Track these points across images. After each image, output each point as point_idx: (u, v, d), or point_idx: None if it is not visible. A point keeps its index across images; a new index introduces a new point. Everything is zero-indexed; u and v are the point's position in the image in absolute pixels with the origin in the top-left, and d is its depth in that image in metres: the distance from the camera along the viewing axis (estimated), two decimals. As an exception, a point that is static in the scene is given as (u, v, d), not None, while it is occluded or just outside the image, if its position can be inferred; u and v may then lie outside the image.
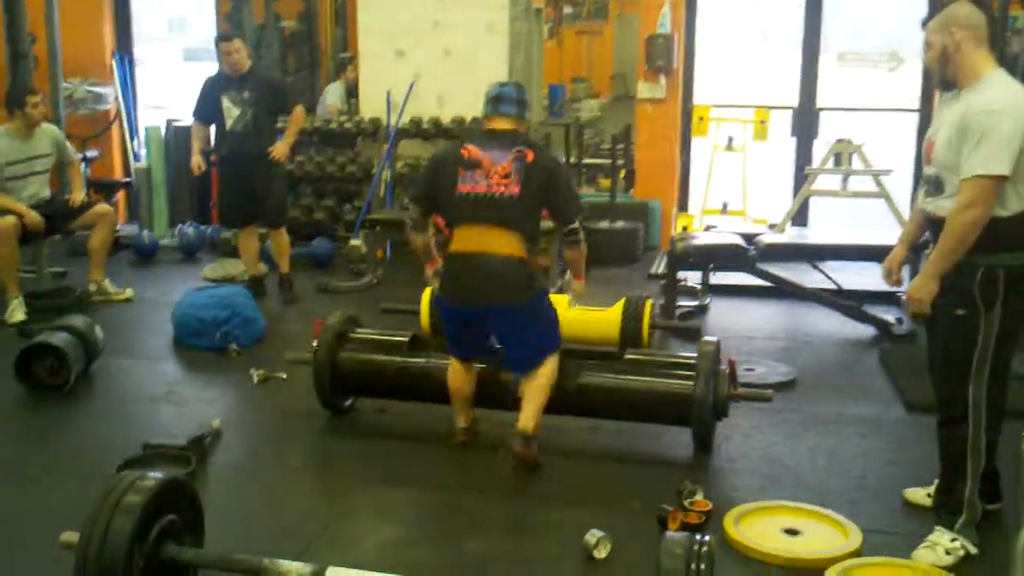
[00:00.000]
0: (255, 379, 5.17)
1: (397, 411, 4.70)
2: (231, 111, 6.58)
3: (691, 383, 4.11)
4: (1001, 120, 3.15)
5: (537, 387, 4.02)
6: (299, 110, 6.90)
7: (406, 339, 4.62)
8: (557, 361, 4.10)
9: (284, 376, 5.17)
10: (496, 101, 4.02)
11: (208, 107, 6.68)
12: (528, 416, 3.99)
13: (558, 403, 4.16)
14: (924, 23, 3.40)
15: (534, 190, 3.92)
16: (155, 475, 2.77)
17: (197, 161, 6.73)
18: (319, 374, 4.50)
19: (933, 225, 3.41)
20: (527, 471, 3.99)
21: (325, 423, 4.61)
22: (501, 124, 4.01)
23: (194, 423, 4.40)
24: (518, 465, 3.98)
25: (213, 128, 6.79)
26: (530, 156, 3.91)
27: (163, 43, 28.45)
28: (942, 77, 3.35)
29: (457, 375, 4.20)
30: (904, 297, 3.48)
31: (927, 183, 3.43)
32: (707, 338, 4.39)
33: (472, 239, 3.93)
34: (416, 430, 4.53)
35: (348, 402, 4.71)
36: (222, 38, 6.73)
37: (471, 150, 3.95)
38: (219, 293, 5.92)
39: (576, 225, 4.10)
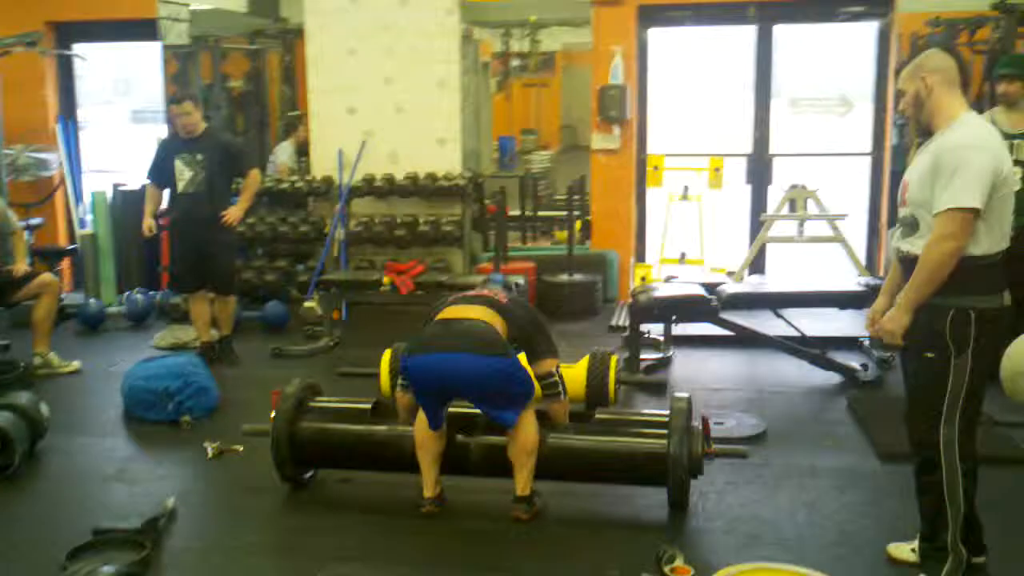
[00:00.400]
0: (210, 453, 4.96)
1: (360, 480, 4.52)
2: (183, 173, 6.46)
3: (664, 442, 4.00)
4: (973, 155, 3.17)
5: (524, 452, 4.06)
6: (254, 173, 6.80)
7: (368, 406, 4.47)
8: (535, 419, 4.08)
9: (240, 448, 4.97)
10: (484, 283, 4.53)
11: (162, 169, 6.57)
12: (523, 483, 4.07)
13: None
14: (897, 72, 3.44)
15: (517, 311, 4.18)
16: (106, 571, 2.59)
17: (149, 224, 6.58)
18: (278, 446, 4.32)
19: (908, 264, 3.38)
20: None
21: (285, 497, 4.42)
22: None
23: (147, 503, 4.20)
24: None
25: (167, 190, 6.65)
26: (502, 299, 4.19)
27: (110, 105, 28.15)
28: (918, 122, 3.39)
29: (424, 426, 4.09)
30: (876, 328, 3.45)
31: (902, 224, 3.43)
32: (678, 394, 4.29)
33: (454, 311, 4.11)
34: (382, 501, 4.36)
35: (309, 474, 4.54)
36: (174, 100, 6.61)
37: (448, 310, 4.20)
38: (169, 362, 5.71)
39: (555, 376, 4.22)
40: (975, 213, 3.15)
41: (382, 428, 4.36)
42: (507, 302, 4.19)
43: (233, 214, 6.58)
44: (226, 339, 6.80)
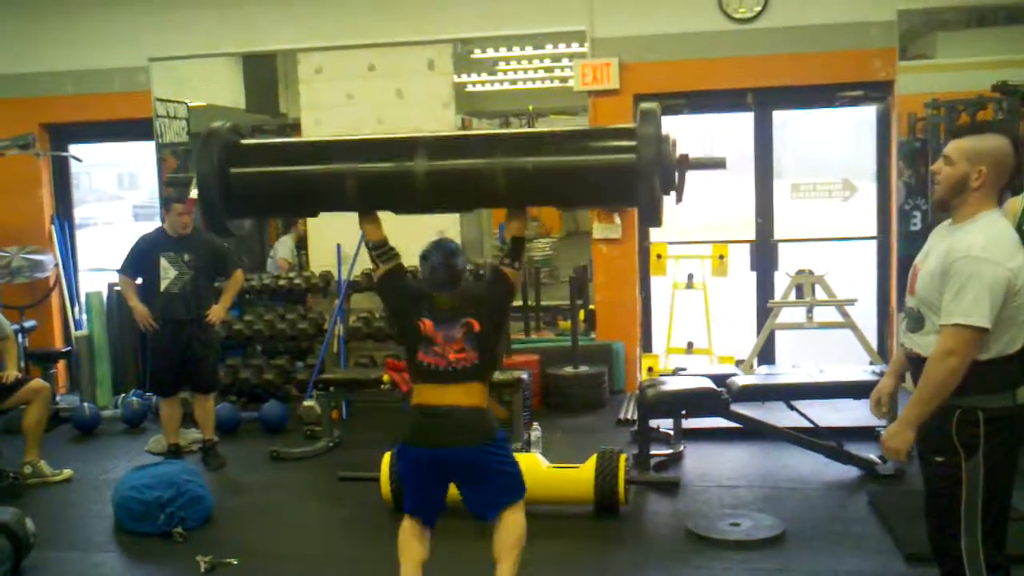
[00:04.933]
0: (203, 567, 4.74)
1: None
2: (168, 271, 6.39)
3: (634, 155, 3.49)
4: (984, 268, 3.01)
5: (509, 546, 3.87)
6: (239, 274, 6.76)
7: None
8: (523, 514, 3.92)
9: (234, 562, 4.77)
10: (432, 284, 3.91)
11: (143, 265, 6.49)
12: None
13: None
14: (956, 134, 3.26)
15: (489, 342, 3.88)
16: None
17: (145, 311, 6.43)
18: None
19: (913, 361, 3.23)
20: None
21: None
22: (444, 303, 3.87)
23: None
24: None
25: (142, 285, 6.56)
26: (476, 327, 3.80)
27: (118, 200, 28.36)
28: (945, 201, 3.20)
29: (409, 535, 3.90)
30: (880, 441, 3.28)
31: (908, 316, 3.27)
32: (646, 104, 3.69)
33: (435, 395, 3.84)
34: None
35: None
36: (178, 200, 6.55)
37: (426, 325, 3.82)
38: (161, 471, 5.51)
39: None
40: (983, 331, 3.00)
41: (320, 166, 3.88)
42: (476, 357, 3.81)
43: (216, 313, 6.55)
44: (210, 443, 6.64)
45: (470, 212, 4.17)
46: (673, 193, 3.65)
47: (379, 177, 3.75)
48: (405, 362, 4.01)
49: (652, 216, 3.60)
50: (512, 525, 3.86)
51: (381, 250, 3.94)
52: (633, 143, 3.49)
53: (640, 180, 3.46)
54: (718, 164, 3.74)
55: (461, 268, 3.93)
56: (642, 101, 7.79)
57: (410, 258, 3.99)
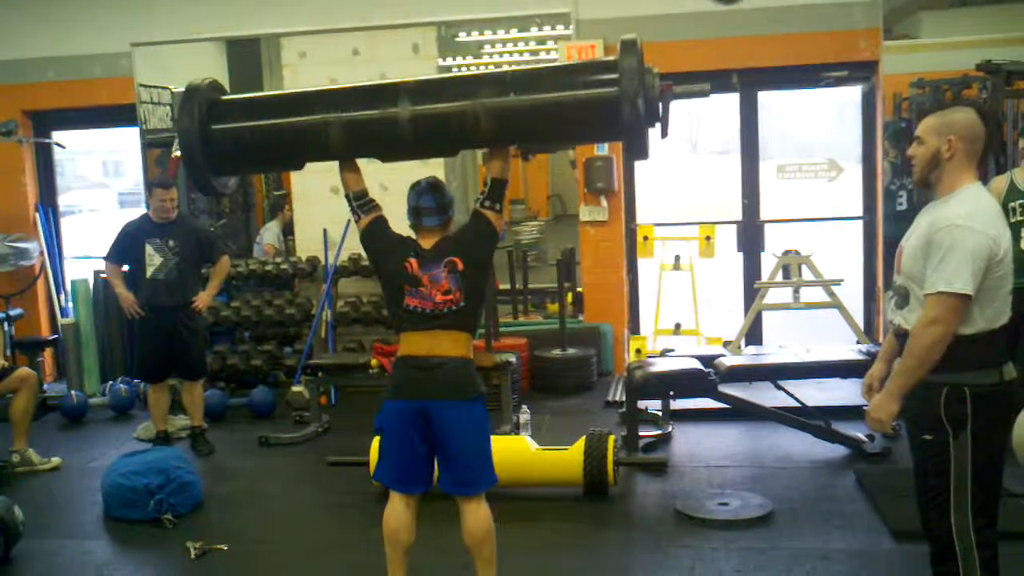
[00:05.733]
0: (192, 553, 4.74)
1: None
2: (154, 259, 6.36)
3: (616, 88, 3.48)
4: (966, 236, 3.02)
5: (484, 538, 3.84)
6: (224, 260, 6.73)
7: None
8: (488, 508, 3.88)
9: (224, 548, 4.77)
10: (417, 214, 3.87)
11: (128, 252, 6.46)
12: None
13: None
14: (921, 115, 3.29)
15: (475, 283, 3.84)
16: None
17: (130, 298, 6.41)
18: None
19: (900, 338, 3.23)
20: None
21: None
22: (427, 239, 3.86)
23: (124, 614, 3.98)
24: None
25: (128, 272, 6.56)
26: (459, 265, 3.79)
27: (104, 188, 28.20)
28: (924, 178, 3.23)
29: (394, 515, 3.87)
30: (865, 413, 3.29)
31: (896, 293, 3.29)
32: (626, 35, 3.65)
33: (422, 344, 3.81)
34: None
35: None
36: (160, 184, 6.50)
37: (412, 265, 3.81)
38: (150, 457, 5.50)
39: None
40: (966, 299, 3.01)
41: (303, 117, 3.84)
42: (462, 299, 3.77)
43: (203, 300, 6.54)
44: (198, 430, 6.63)
45: (455, 155, 4.08)
46: (659, 126, 3.63)
47: (362, 124, 3.72)
48: (390, 313, 3.95)
49: (638, 148, 3.58)
50: (481, 516, 3.84)
51: (362, 200, 3.92)
52: (615, 75, 3.46)
53: (624, 111, 3.42)
54: (702, 92, 3.72)
55: (448, 199, 3.86)
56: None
57: (396, 221, 3.96)
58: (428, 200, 3.85)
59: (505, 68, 4.00)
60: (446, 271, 3.78)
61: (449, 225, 3.92)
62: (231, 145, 3.84)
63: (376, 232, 3.92)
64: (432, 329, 3.80)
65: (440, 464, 3.88)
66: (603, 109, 3.51)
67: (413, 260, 3.80)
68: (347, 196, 3.94)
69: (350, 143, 3.76)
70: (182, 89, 3.87)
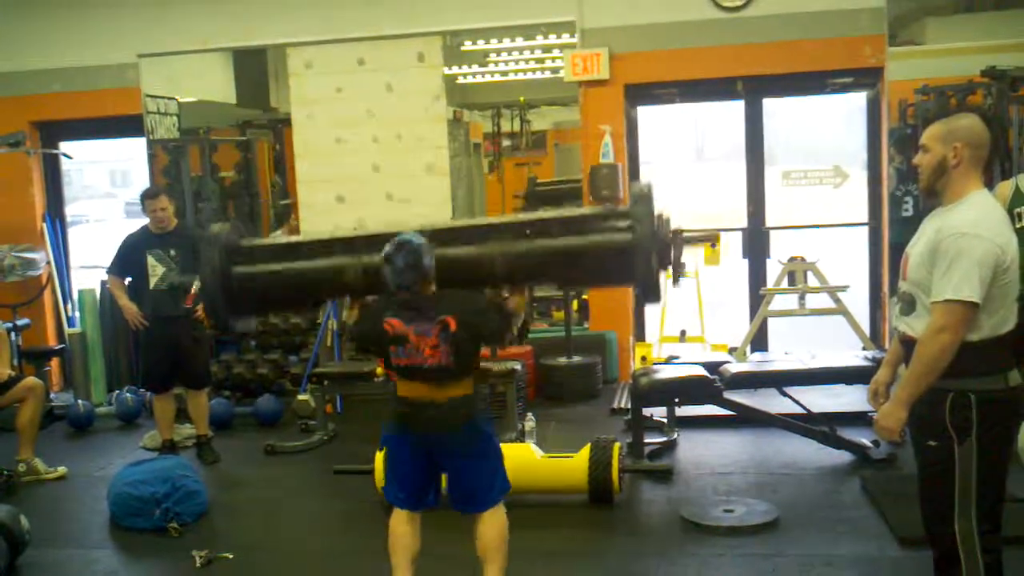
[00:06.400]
0: (198, 562, 4.75)
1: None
2: (156, 269, 6.39)
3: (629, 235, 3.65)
4: (973, 244, 3.02)
5: (495, 548, 3.86)
6: None
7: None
8: (504, 512, 3.90)
9: (230, 556, 4.78)
10: (396, 275, 3.67)
11: (130, 265, 6.49)
12: None
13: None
14: (926, 123, 3.28)
15: (465, 349, 3.77)
16: None
17: (135, 310, 6.43)
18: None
19: (906, 344, 3.23)
20: None
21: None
22: (410, 299, 3.74)
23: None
24: None
25: (131, 283, 6.57)
26: (452, 325, 3.68)
27: (111, 198, 28.29)
28: (931, 186, 3.22)
29: (400, 524, 3.90)
30: (874, 422, 3.29)
31: (900, 300, 3.28)
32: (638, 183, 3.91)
33: (418, 390, 3.81)
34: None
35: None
36: (148, 195, 6.53)
37: (395, 325, 3.72)
38: (156, 466, 5.52)
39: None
40: (973, 306, 3.00)
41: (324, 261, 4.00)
42: (452, 357, 3.70)
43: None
44: (204, 439, 6.66)
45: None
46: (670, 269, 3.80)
47: (380, 269, 3.75)
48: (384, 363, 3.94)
49: (651, 293, 3.71)
50: (495, 524, 3.86)
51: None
52: (628, 223, 3.62)
53: (637, 259, 3.57)
54: (711, 238, 3.88)
55: (428, 267, 3.68)
56: (633, 91, 7.88)
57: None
58: (409, 275, 3.67)
59: (520, 216, 4.20)
60: (437, 328, 3.68)
61: (430, 280, 3.75)
62: (251, 289, 3.98)
63: (364, 317, 3.96)
64: (426, 382, 3.78)
65: (448, 484, 3.92)
66: (619, 258, 3.67)
67: (394, 320, 3.71)
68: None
69: (368, 285, 3.88)
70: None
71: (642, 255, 3.59)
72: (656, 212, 3.66)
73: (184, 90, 8.90)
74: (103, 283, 8.51)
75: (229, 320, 4.02)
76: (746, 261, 8.36)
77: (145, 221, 6.62)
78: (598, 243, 3.74)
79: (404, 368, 3.78)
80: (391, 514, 3.93)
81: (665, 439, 6.30)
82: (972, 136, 3.14)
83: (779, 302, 7.64)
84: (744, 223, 8.34)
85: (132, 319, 6.46)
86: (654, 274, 3.67)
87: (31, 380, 6.45)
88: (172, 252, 6.40)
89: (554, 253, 3.77)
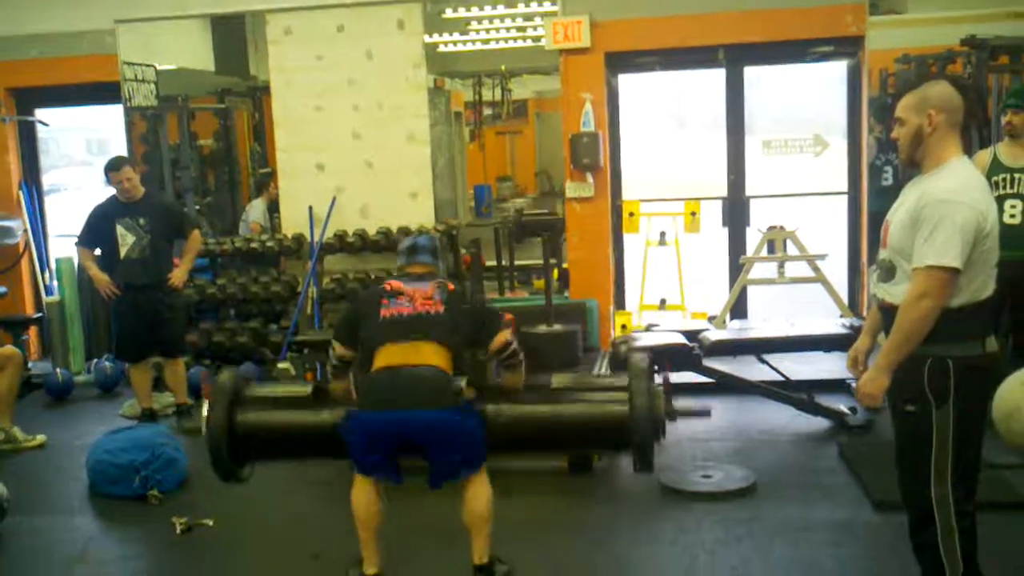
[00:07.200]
0: (178, 529, 4.76)
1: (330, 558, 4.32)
2: (126, 238, 6.38)
3: (626, 407, 3.84)
4: (955, 210, 3.03)
5: (480, 518, 3.89)
6: (196, 234, 6.76)
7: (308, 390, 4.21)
8: (487, 481, 3.92)
9: (210, 523, 4.79)
10: (412, 252, 4.11)
11: (98, 235, 6.48)
12: (481, 550, 3.91)
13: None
14: (898, 96, 3.29)
15: (457, 313, 3.91)
16: None
17: (105, 279, 6.41)
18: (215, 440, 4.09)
19: (885, 311, 3.26)
20: None
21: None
22: (419, 269, 4.08)
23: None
24: None
25: (102, 255, 6.56)
26: (451, 287, 3.97)
27: (88, 166, 28.02)
28: (910, 157, 3.24)
29: (363, 495, 3.90)
30: (855, 390, 3.32)
31: (880, 267, 3.30)
32: (636, 356, 4.10)
33: (397, 355, 3.81)
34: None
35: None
36: (111, 167, 6.50)
37: (393, 283, 3.92)
38: (136, 434, 5.52)
39: (513, 345, 4.01)
40: (955, 272, 3.03)
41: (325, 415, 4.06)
42: (444, 310, 3.88)
43: (178, 276, 6.57)
44: (183, 407, 6.66)
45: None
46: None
47: None
48: (362, 355, 4.00)
49: (646, 463, 3.88)
50: (480, 495, 3.86)
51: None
52: (625, 398, 3.83)
53: (635, 432, 3.78)
54: (703, 414, 4.31)
55: (438, 254, 4.14)
56: (614, 59, 7.85)
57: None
58: (424, 241, 4.17)
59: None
60: (435, 285, 3.91)
61: (438, 272, 4.13)
62: (256, 435, 4.13)
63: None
64: (411, 339, 3.78)
65: (430, 465, 3.84)
66: (615, 429, 3.88)
67: (393, 281, 3.98)
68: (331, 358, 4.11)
69: None
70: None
71: (640, 429, 3.80)
72: (652, 386, 3.90)
73: (162, 57, 8.81)
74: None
75: (233, 470, 4.21)
76: (726, 230, 8.37)
77: (112, 191, 6.57)
78: (597, 415, 4.00)
79: (388, 323, 3.81)
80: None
81: (644, 406, 6.32)
82: (944, 101, 3.16)
83: (759, 270, 7.67)
84: (724, 192, 8.36)
85: (103, 289, 6.45)
86: (650, 446, 3.86)
87: (9, 349, 6.42)
88: (141, 220, 6.38)
89: (552, 420, 4.04)
